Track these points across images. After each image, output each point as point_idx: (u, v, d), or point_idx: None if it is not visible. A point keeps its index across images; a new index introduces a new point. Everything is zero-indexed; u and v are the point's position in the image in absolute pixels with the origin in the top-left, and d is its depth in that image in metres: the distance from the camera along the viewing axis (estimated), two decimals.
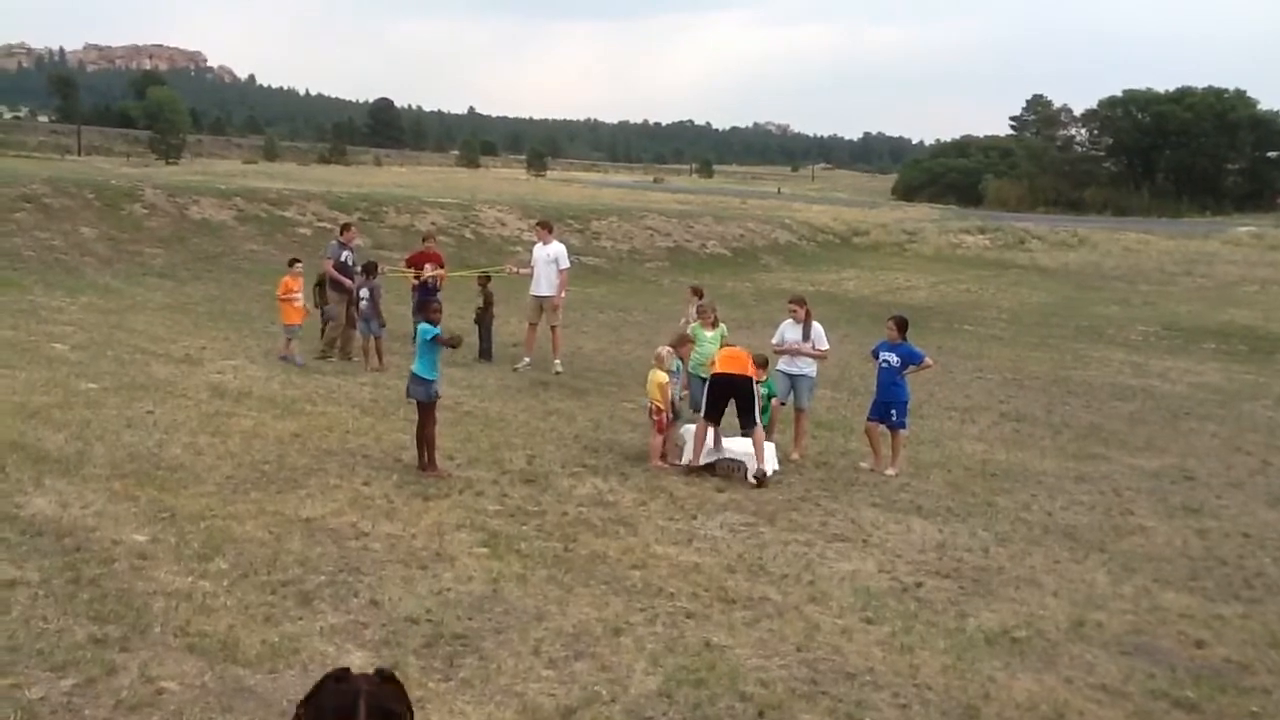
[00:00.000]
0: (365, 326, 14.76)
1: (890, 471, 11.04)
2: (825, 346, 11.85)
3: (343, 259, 15.17)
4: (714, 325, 12.00)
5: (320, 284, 15.38)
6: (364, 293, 14.72)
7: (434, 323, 10.22)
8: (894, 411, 11.28)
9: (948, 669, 6.31)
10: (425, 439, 9.74)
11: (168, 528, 7.58)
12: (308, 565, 7.08)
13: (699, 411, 11.84)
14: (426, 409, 9.87)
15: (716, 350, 11.89)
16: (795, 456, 11.19)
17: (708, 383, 10.77)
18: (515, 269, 17.63)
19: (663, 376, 10.91)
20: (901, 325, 11.50)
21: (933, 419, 14.26)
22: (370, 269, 15.17)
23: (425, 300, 10.53)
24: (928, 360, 11.65)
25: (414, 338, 16.42)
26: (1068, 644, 6.88)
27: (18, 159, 63.49)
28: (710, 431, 11.14)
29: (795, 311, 11.74)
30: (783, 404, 11.74)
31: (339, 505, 8.44)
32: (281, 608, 6.32)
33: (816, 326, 11.80)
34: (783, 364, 11.76)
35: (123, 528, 7.49)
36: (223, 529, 7.64)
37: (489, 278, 16.98)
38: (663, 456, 10.74)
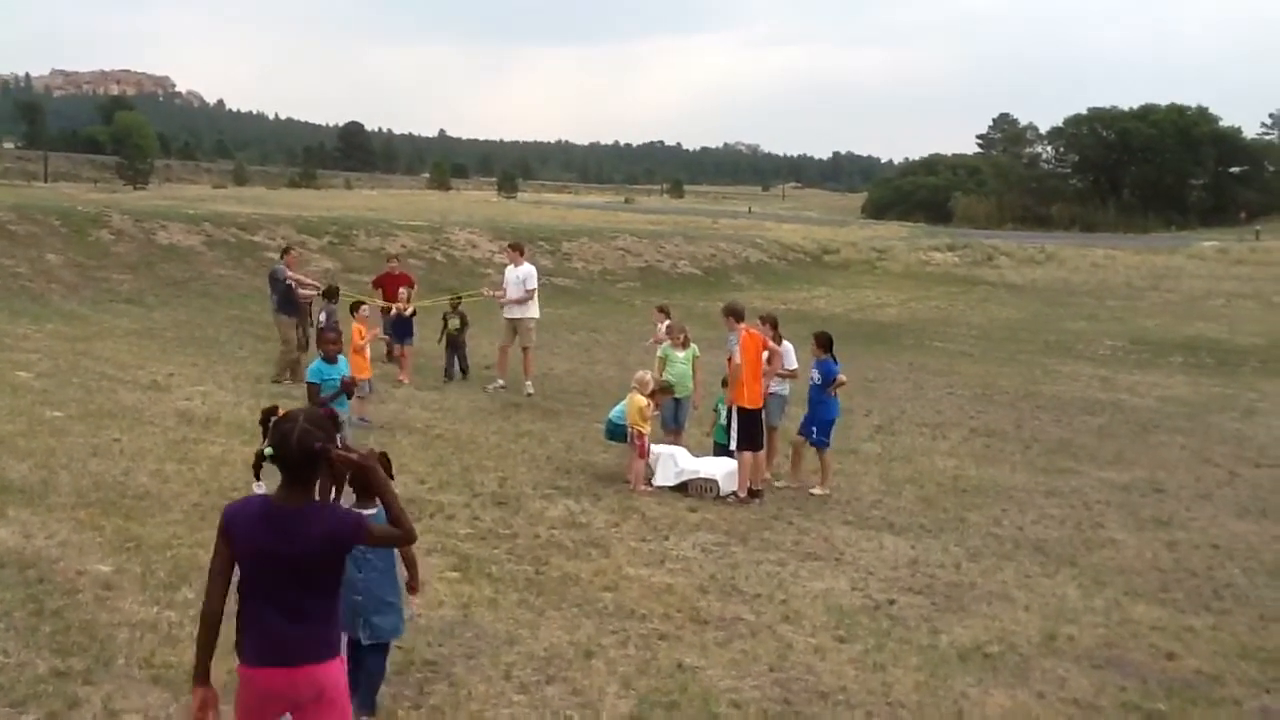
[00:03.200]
0: None
1: (815, 491, 10.97)
2: (793, 366, 11.83)
3: (294, 278, 15.29)
4: (684, 345, 11.99)
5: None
6: (322, 316, 14.70)
7: (331, 358, 8.99)
8: (814, 428, 11.22)
9: (920, 686, 6.30)
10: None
11: (133, 557, 7.47)
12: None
13: (668, 429, 11.83)
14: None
15: (688, 370, 11.90)
16: (766, 475, 11.18)
17: (748, 414, 10.54)
18: (490, 292, 17.59)
19: (642, 400, 10.86)
20: (821, 341, 11.38)
21: (904, 435, 14.32)
22: (331, 293, 15.14)
23: (322, 331, 9.56)
24: (840, 377, 11.32)
25: (386, 357, 16.57)
26: (1040, 658, 6.89)
27: None
28: (681, 450, 11.14)
29: (762, 330, 11.73)
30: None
31: None
32: None
33: (786, 345, 11.79)
34: None
35: (87, 558, 7.38)
36: (189, 557, 7.53)
37: (459, 299, 17.00)
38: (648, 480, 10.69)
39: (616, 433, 11.06)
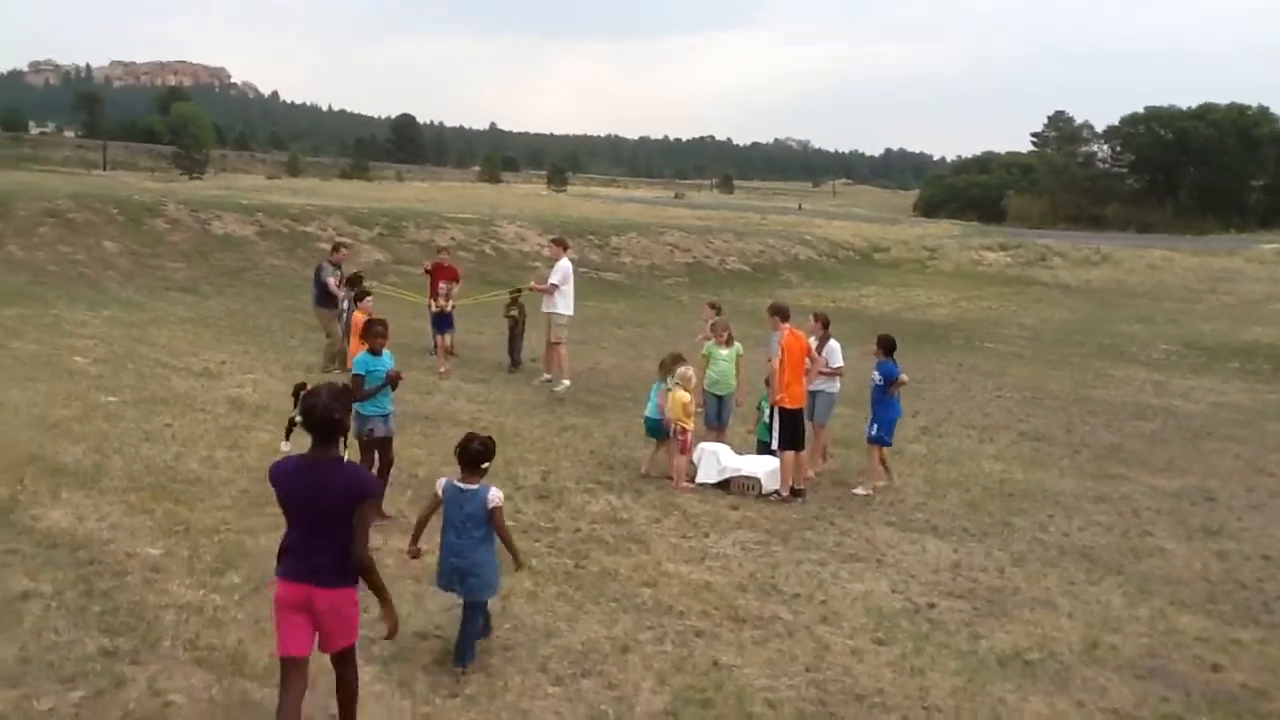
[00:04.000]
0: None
1: (859, 491, 10.94)
2: (838, 364, 11.79)
3: (337, 277, 15.46)
4: (728, 343, 11.96)
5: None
6: (345, 305, 14.88)
7: (376, 350, 8.79)
8: (875, 425, 11.24)
9: (958, 691, 6.25)
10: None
11: (182, 541, 7.62)
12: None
13: (711, 427, 11.82)
14: (368, 446, 8.37)
15: (731, 368, 11.86)
16: (811, 474, 11.15)
17: (790, 414, 10.58)
18: (537, 285, 17.70)
19: (685, 396, 10.86)
20: (882, 344, 11.45)
21: (951, 437, 14.18)
22: (354, 281, 15.27)
23: (369, 324, 9.44)
24: (902, 377, 11.40)
25: (431, 350, 16.74)
26: (1081, 667, 6.81)
27: (44, 174, 64.26)
28: (724, 447, 11.13)
29: (811, 326, 11.75)
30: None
31: None
32: None
33: (832, 343, 11.76)
34: None
35: (137, 540, 7.54)
36: (236, 543, 7.67)
37: (519, 291, 17.26)
38: (691, 478, 10.71)
39: (654, 429, 11.08)
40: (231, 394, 12.80)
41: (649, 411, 11.17)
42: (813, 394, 11.58)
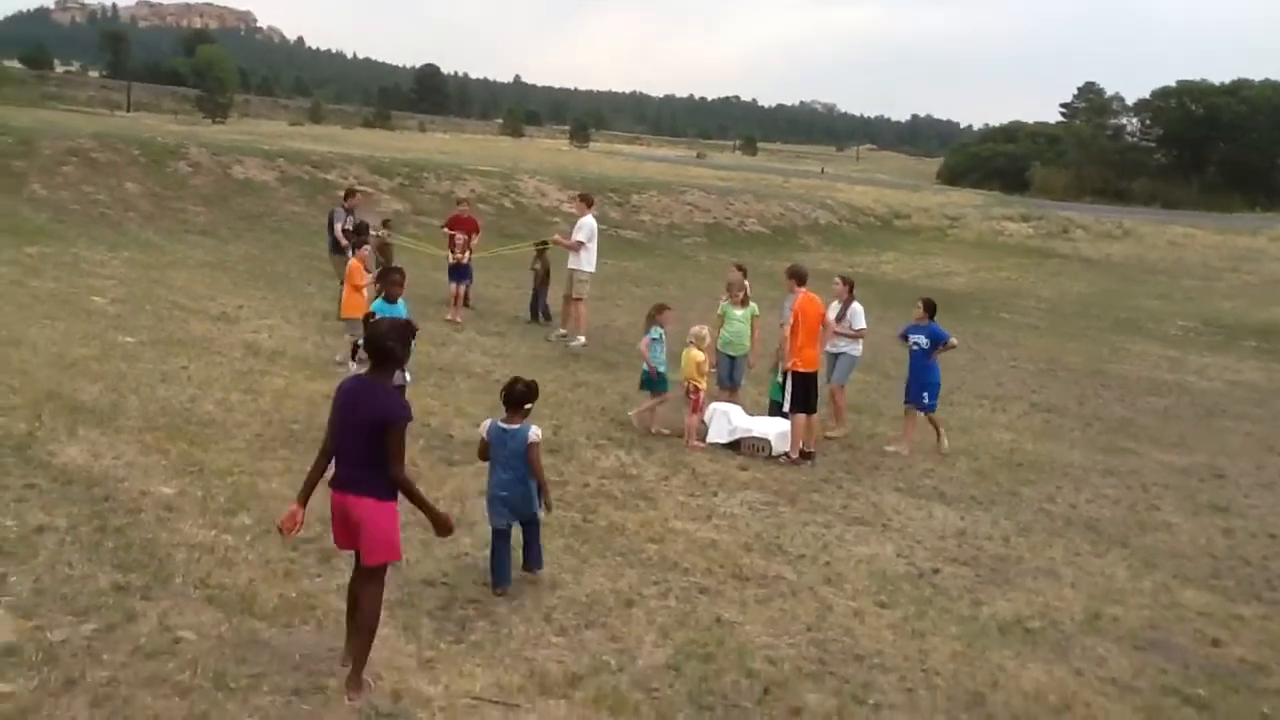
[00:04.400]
0: None
1: (944, 448, 11.40)
2: (861, 325, 11.91)
3: (346, 224, 15.50)
4: (744, 303, 11.96)
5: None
6: (349, 253, 14.95)
7: (392, 298, 9.03)
8: (925, 394, 11.45)
9: (957, 655, 6.31)
10: None
11: (195, 481, 7.72)
12: (330, 525, 7.14)
13: (724, 386, 11.85)
14: None
15: (746, 329, 11.88)
16: (826, 435, 11.23)
17: (803, 377, 10.64)
18: (562, 240, 17.72)
19: (699, 355, 10.89)
20: (929, 307, 11.69)
21: (963, 406, 14.18)
22: (361, 229, 15.30)
23: (386, 271, 9.54)
24: (952, 340, 11.83)
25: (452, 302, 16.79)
26: (1081, 636, 6.86)
27: (68, 113, 64.29)
28: (735, 408, 11.16)
29: (839, 290, 11.88)
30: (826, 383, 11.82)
31: None
32: (301, 564, 6.43)
33: (855, 306, 11.88)
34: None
35: (151, 479, 7.64)
36: (249, 485, 7.76)
37: (545, 244, 17.34)
38: (701, 437, 10.77)
39: (646, 382, 11.18)
40: (248, 339, 12.88)
41: (645, 368, 11.26)
42: (834, 356, 11.69)
